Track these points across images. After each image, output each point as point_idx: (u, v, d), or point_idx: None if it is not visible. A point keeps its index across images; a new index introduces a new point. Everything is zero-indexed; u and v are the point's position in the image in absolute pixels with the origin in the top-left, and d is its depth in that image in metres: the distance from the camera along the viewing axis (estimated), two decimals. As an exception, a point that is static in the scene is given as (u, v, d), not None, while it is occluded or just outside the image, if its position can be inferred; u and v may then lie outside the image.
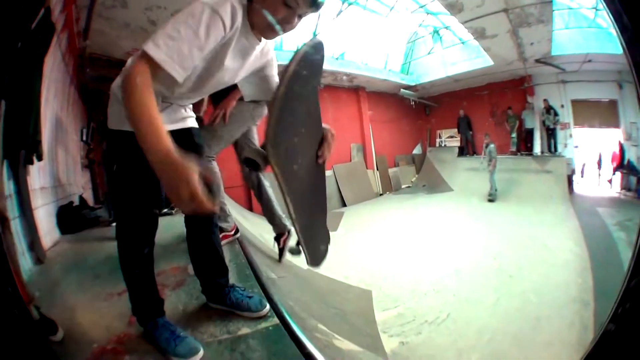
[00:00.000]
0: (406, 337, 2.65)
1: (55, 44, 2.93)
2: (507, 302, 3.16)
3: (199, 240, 1.48)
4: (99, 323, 1.44)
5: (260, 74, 1.30)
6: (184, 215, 1.46)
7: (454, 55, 9.25)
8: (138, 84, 0.87)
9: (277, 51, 1.33)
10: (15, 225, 1.94)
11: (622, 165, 7.57)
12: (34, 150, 2.36)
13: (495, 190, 8.05)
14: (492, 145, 8.43)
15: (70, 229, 2.88)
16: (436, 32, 8.96)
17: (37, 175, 2.54)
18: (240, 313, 1.46)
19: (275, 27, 1.07)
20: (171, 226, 2.34)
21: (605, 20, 6.90)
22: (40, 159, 2.43)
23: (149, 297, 1.34)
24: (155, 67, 0.89)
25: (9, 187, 1.97)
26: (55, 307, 1.49)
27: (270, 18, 1.05)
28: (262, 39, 1.17)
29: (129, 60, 1.07)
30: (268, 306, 1.50)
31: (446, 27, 8.46)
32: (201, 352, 1.24)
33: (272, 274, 2.25)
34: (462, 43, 8.60)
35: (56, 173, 3.12)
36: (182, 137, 1.25)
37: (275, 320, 1.45)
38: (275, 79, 1.30)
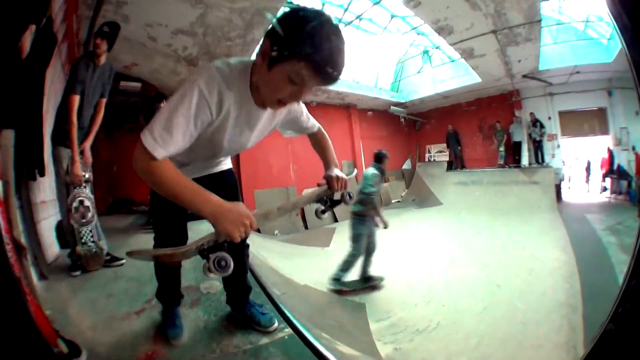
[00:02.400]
0: (399, 344, 2.75)
1: (56, 55, 2.91)
2: (494, 310, 3.26)
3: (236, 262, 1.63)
4: (123, 342, 1.51)
5: (286, 125, 1.36)
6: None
7: (443, 73, 9.40)
8: (157, 168, 0.93)
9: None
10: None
11: (612, 170, 7.77)
12: (36, 166, 2.38)
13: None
14: None
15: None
16: (426, 52, 9.13)
17: (37, 189, 2.54)
18: (253, 325, 1.66)
19: (281, 102, 1.01)
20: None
21: (596, 30, 7.04)
22: (42, 174, 2.44)
23: (172, 291, 1.64)
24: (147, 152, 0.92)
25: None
26: (72, 327, 1.54)
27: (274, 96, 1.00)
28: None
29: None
30: (277, 324, 1.68)
31: (436, 47, 8.60)
32: (183, 338, 1.54)
33: (277, 291, 2.35)
34: (452, 61, 8.78)
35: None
36: (215, 180, 1.41)
37: (289, 330, 1.64)
38: (304, 116, 1.38)
